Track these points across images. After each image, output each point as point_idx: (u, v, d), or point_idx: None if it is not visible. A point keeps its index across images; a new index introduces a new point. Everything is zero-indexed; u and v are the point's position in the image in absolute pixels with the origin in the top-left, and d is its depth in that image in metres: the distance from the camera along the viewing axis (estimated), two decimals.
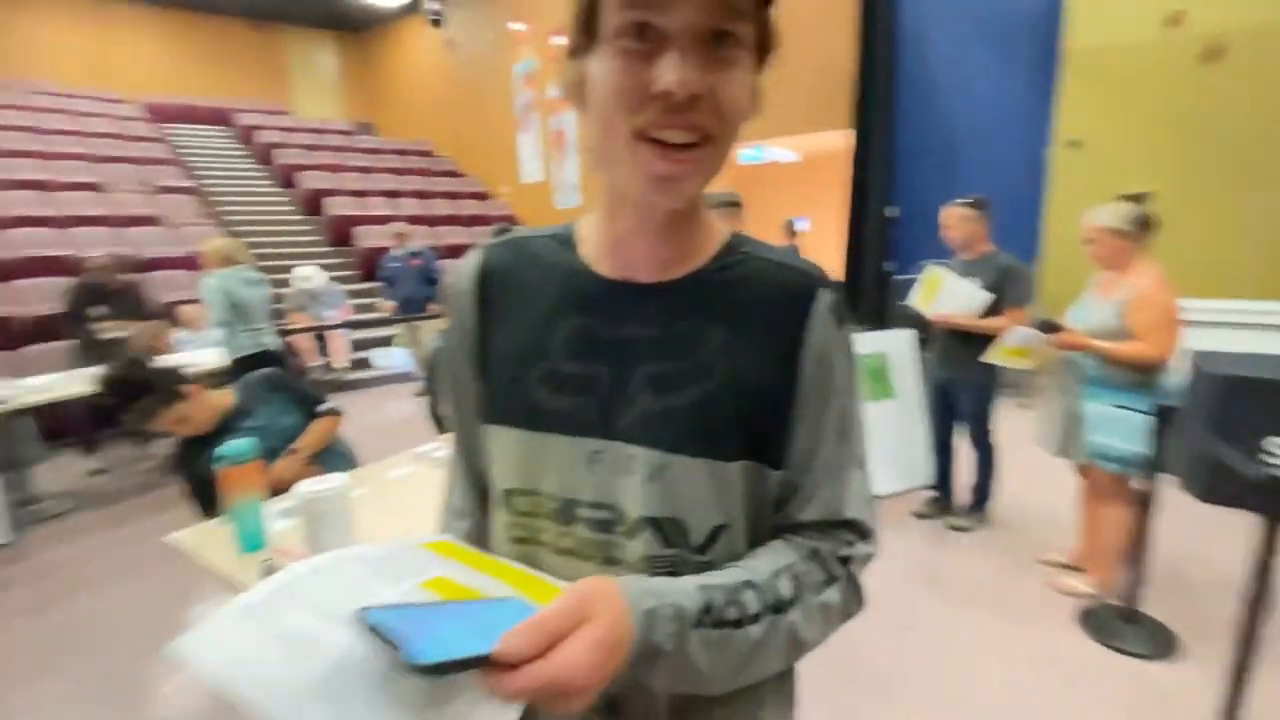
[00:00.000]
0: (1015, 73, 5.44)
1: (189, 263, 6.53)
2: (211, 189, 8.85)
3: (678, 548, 0.54)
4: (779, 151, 8.73)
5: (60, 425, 4.45)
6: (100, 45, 10.69)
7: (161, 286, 5.93)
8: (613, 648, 0.41)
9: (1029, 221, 5.29)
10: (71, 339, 4.52)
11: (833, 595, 0.56)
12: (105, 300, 4.37)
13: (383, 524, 1.59)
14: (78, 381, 3.59)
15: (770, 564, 0.54)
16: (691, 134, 0.47)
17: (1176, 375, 2.17)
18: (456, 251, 8.68)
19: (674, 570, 0.53)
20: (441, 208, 9.79)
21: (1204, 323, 3.91)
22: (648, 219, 0.55)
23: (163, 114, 10.28)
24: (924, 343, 3.20)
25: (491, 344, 0.62)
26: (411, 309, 5.69)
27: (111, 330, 4.27)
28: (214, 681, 0.33)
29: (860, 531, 0.59)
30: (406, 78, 12.64)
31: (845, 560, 0.57)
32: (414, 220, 8.81)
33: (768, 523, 0.58)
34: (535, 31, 9.50)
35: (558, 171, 9.63)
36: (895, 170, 6.03)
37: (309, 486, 1.38)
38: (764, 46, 0.51)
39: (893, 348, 3.23)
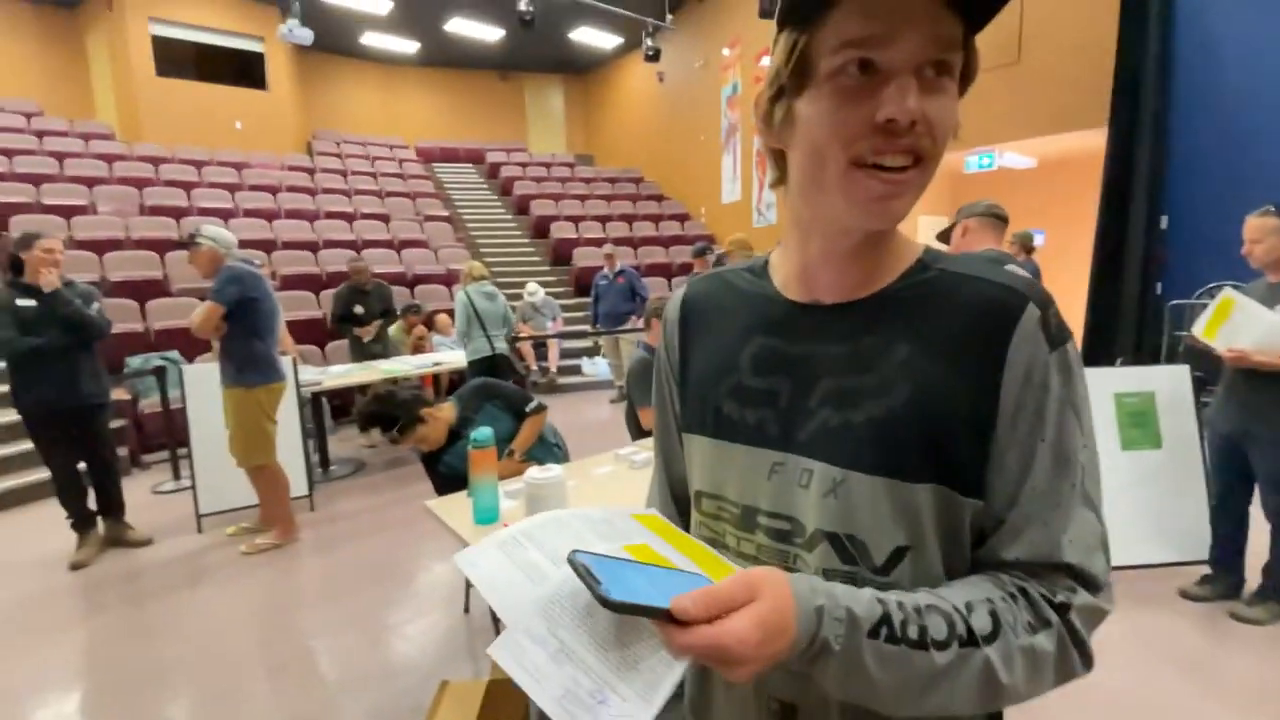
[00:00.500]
0: None
1: (446, 278, 7.79)
2: (465, 217, 10.46)
3: (857, 565, 0.53)
4: (1013, 157, 7.80)
5: (346, 405, 5.59)
6: (385, 102, 13.24)
7: (424, 297, 7.15)
8: (775, 630, 0.42)
9: None
10: (341, 338, 5.68)
11: (1044, 642, 0.49)
12: (362, 299, 5.34)
13: None
14: (360, 373, 4.51)
15: (964, 594, 0.50)
16: (908, 157, 0.49)
17: None
18: (656, 270, 9.17)
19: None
20: (645, 229, 10.41)
21: None
22: (837, 244, 0.56)
23: (429, 155, 12.40)
24: (1205, 384, 2.65)
25: (690, 363, 0.67)
26: (614, 323, 6.14)
27: (369, 333, 5.28)
28: (478, 586, 0.47)
29: (1083, 580, 0.51)
30: (621, 110, 13.70)
31: (1062, 608, 0.50)
32: (620, 242, 9.51)
33: (966, 554, 0.54)
34: (742, 55, 9.71)
35: (757, 190, 9.69)
36: (1168, 173, 5.05)
37: (535, 474, 1.60)
38: (967, 72, 0.52)
39: (1162, 387, 2.73)
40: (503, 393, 2.44)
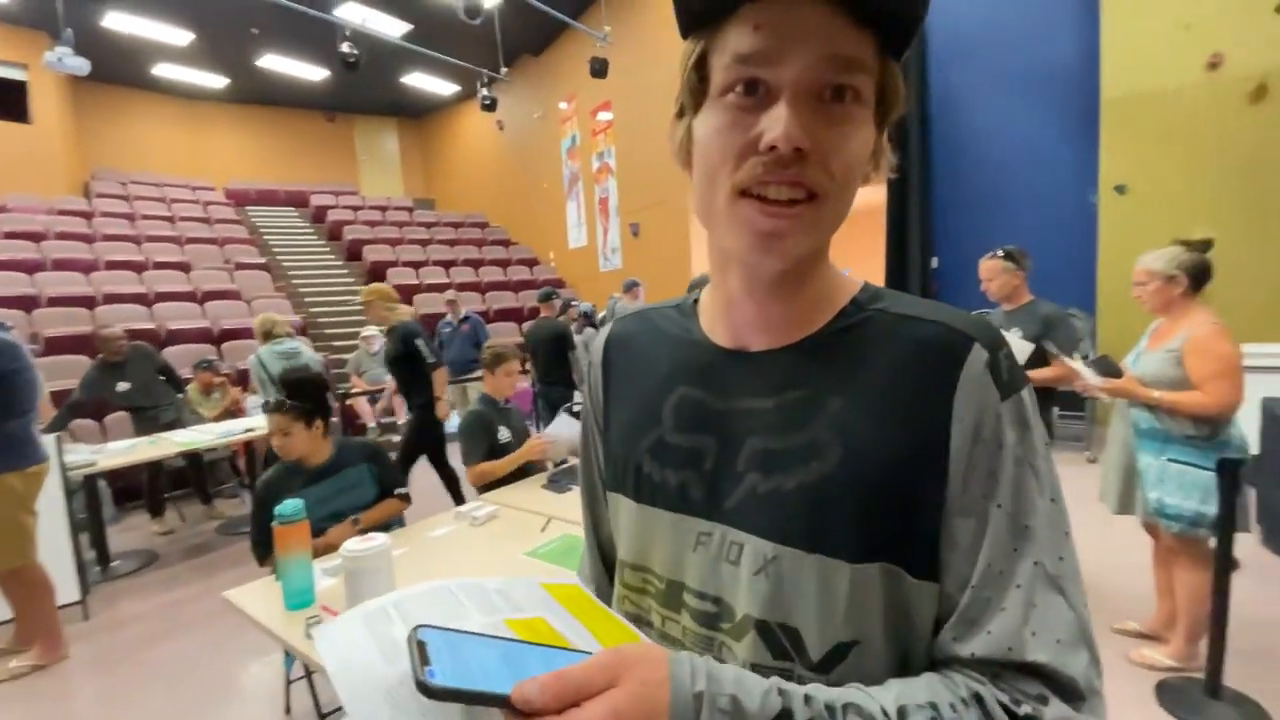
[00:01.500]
0: (1056, 121, 5.42)
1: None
2: (286, 264, 9.57)
3: (791, 661, 0.46)
4: None
5: (131, 489, 4.76)
6: (192, 139, 11.91)
7: (235, 354, 6.38)
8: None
9: (1084, 270, 5.16)
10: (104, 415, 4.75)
11: None
12: (120, 374, 4.22)
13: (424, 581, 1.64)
14: (147, 448, 3.86)
15: (900, 695, 0.41)
16: (796, 190, 0.43)
17: (1239, 427, 2.05)
18: (507, 315, 9.03)
19: None
20: (493, 274, 10.25)
21: (1272, 368, 3.68)
22: (755, 280, 0.50)
23: (242, 198, 11.27)
24: None
25: (612, 412, 0.61)
26: (461, 371, 5.91)
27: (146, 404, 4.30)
28: (329, 669, 0.40)
29: (1058, 685, 0.42)
30: (462, 156, 13.54)
31: None
32: (467, 287, 9.27)
33: (925, 649, 0.46)
34: (578, 109, 10.10)
35: (602, 236, 10.00)
36: (934, 223, 6.03)
37: (353, 545, 1.45)
38: (887, 102, 0.46)
39: None
40: (385, 463, 2.25)
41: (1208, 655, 2.01)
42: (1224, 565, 1.96)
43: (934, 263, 5.98)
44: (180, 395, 4.56)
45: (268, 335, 4.26)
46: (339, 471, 2.08)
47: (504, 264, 10.83)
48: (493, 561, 1.77)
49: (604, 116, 9.57)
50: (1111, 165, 4.92)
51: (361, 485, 2.13)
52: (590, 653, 0.40)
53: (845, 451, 0.46)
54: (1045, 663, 0.41)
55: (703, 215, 0.49)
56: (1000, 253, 2.71)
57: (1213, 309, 2.09)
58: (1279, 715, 1.94)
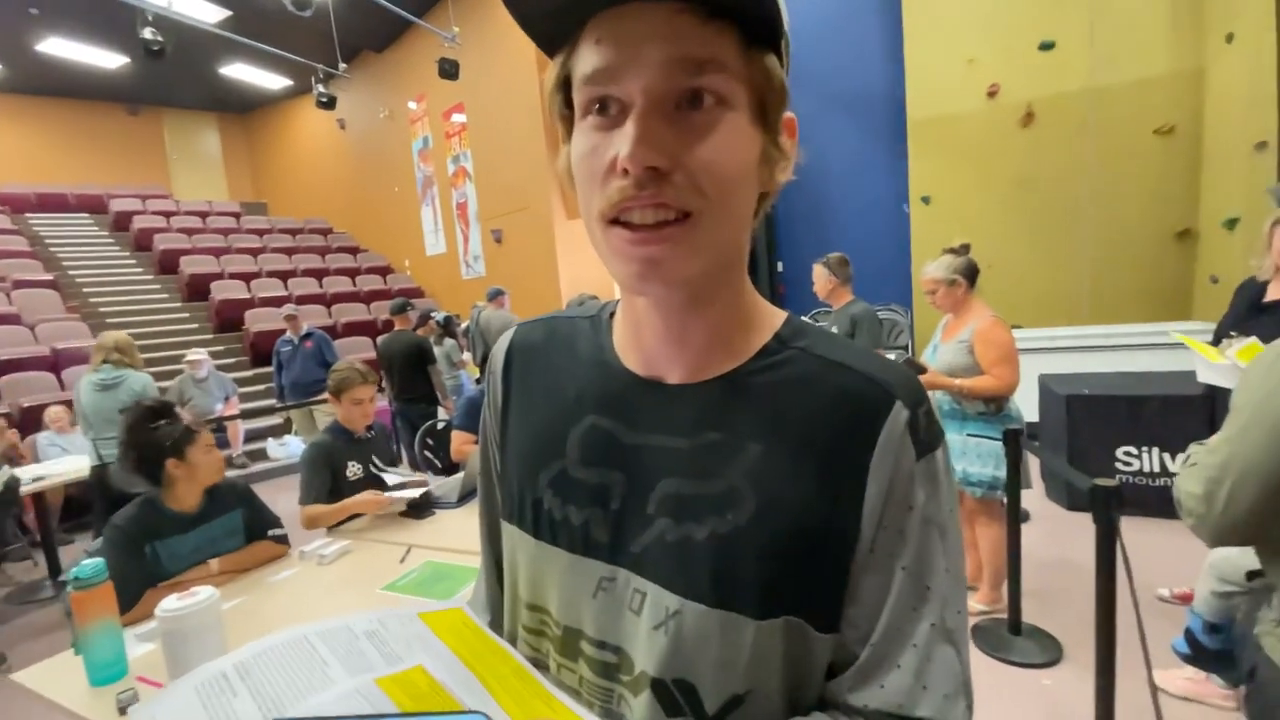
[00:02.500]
0: (874, 140, 6.11)
1: (51, 361, 5.97)
2: (80, 280, 8.20)
3: (684, 715, 0.44)
4: None
5: None
6: None
7: (15, 390, 5.36)
8: None
9: (902, 270, 5.83)
10: None
11: None
12: None
13: (262, 635, 1.48)
14: None
15: None
16: (662, 212, 0.39)
17: (1014, 402, 2.44)
18: (357, 329, 8.43)
19: None
20: (340, 284, 9.51)
21: (1046, 349, 4.42)
22: (660, 307, 0.47)
23: (19, 204, 9.52)
24: None
25: (511, 431, 0.56)
26: (305, 393, 5.41)
27: None
28: None
29: None
30: (297, 157, 12.43)
31: None
32: (309, 300, 8.52)
33: (816, 693, 0.46)
34: (429, 110, 9.67)
35: (462, 243, 9.66)
36: (777, 232, 6.57)
37: (171, 604, 1.28)
38: (763, 98, 0.42)
39: None
40: (259, 509, 1.96)
41: (1008, 597, 2.36)
42: (1014, 516, 2.31)
43: (779, 265, 6.49)
44: None
45: (98, 361, 3.56)
46: (210, 519, 1.82)
47: (352, 273, 10.08)
48: (346, 602, 1.64)
49: (458, 119, 9.24)
50: (918, 178, 5.62)
51: (236, 535, 1.88)
52: (483, 714, 0.37)
53: (760, 504, 0.43)
54: (930, 717, 0.43)
55: (593, 244, 0.45)
56: (824, 260, 3.10)
57: (993, 302, 2.48)
58: (1067, 642, 2.32)
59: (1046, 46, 4.99)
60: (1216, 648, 1.70)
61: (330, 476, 2.22)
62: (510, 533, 0.54)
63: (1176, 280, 4.91)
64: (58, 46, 8.93)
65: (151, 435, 1.73)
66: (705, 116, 0.39)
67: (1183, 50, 4.67)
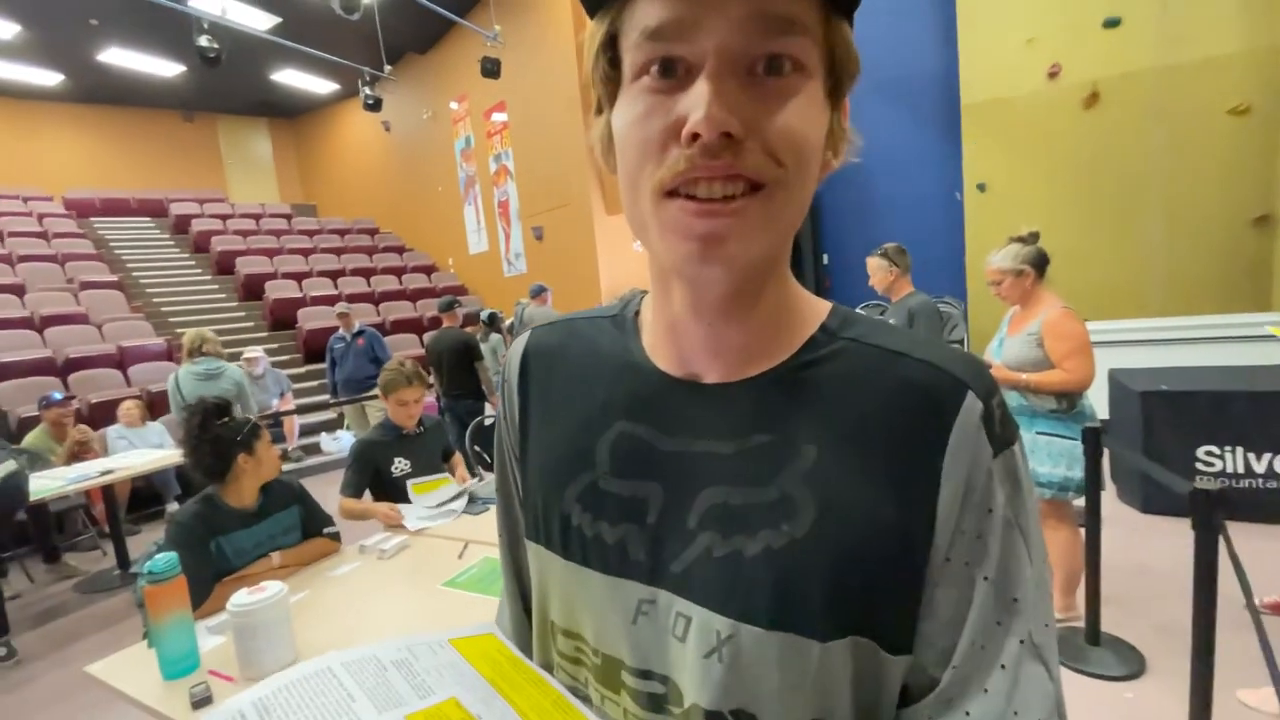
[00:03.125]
0: (925, 126, 5.89)
1: (117, 358, 6.25)
2: (143, 281, 8.58)
3: None
4: None
5: None
6: (20, 144, 10.43)
7: (84, 386, 5.63)
8: None
9: (955, 261, 5.62)
10: None
11: None
12: None
13: (326, 631, 1.50)
14: None
15: None
16: (733, 184, 0.36)
17: (1088, 398, 2.29)
18: (404, 326, 8.60)
19: None
20: (387, 283, 9.73)
21: (1116, 342, 4.19)
22: (702, 298, 0.42)
23: (85, 209, 10.01)
24: None
25: (531, 444, 0.51)
26: (357, 389, 5.53)
27: None
28: None
29: None
30: (345, 159, 12.75)
31: None
32: (358, 298, 8.73)
33: (889, 717, 0.41)
34: (470, 110, 9.79)
35: (504, 240, 9.76)
36: (821, 224, 6.39)
37: (242, 599, 1.29)
38: (838, 71, 0.39)
39: None
40: (313, 507, 2.01)
41: (1086, 605, 2.23)
42: (1094, 518, 2.17)
43: (825, 259, 6.33)
44: (14, 447, 3.89)
45: (193, 353, 3.83)
46: (269, 515, 1.86)
47: (399, 272, 10.29)
48: (408, 597, 1.65)
49: (499, 118, 9.32)
50: (973, 165, 5.40)
51: (293, 531, 1.92)
52: None
53: (819, 512, 0.39)
54: None
55: (632, 224, 0.42)
56: (880, 250, 2.95)
57: (1059, 293, 2.33)
58: (1149, 653, 2.18)
59: (1112, 23, 4.73)
60: None
61: (373, 472, 2.34)
62: (537, 553, 0.50)
63: (1254, 268, 4.60)
64: (117, 56, 9.34)
65: (222, 430, 1.77)
66: (783, 82, 0.36)
67: (1257, 26, 4.36)
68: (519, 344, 0.55)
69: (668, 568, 0.42)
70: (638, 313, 0.51)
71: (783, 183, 0.36)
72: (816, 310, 0.46)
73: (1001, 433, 0.40)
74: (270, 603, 1.30)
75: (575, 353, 0.52)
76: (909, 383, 0.40)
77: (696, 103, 0.34)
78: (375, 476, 2.36)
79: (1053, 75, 4.94)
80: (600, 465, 0.46)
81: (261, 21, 8.43)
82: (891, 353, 0.42)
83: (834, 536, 0.39)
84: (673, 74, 0.36)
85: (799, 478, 0.40)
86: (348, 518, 2.27)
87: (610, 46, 0.39)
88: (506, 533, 0.57)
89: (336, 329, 5.82)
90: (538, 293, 5.82)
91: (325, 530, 1.97)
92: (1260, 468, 3.05)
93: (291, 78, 10.90)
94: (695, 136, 0.34)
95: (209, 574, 1.66)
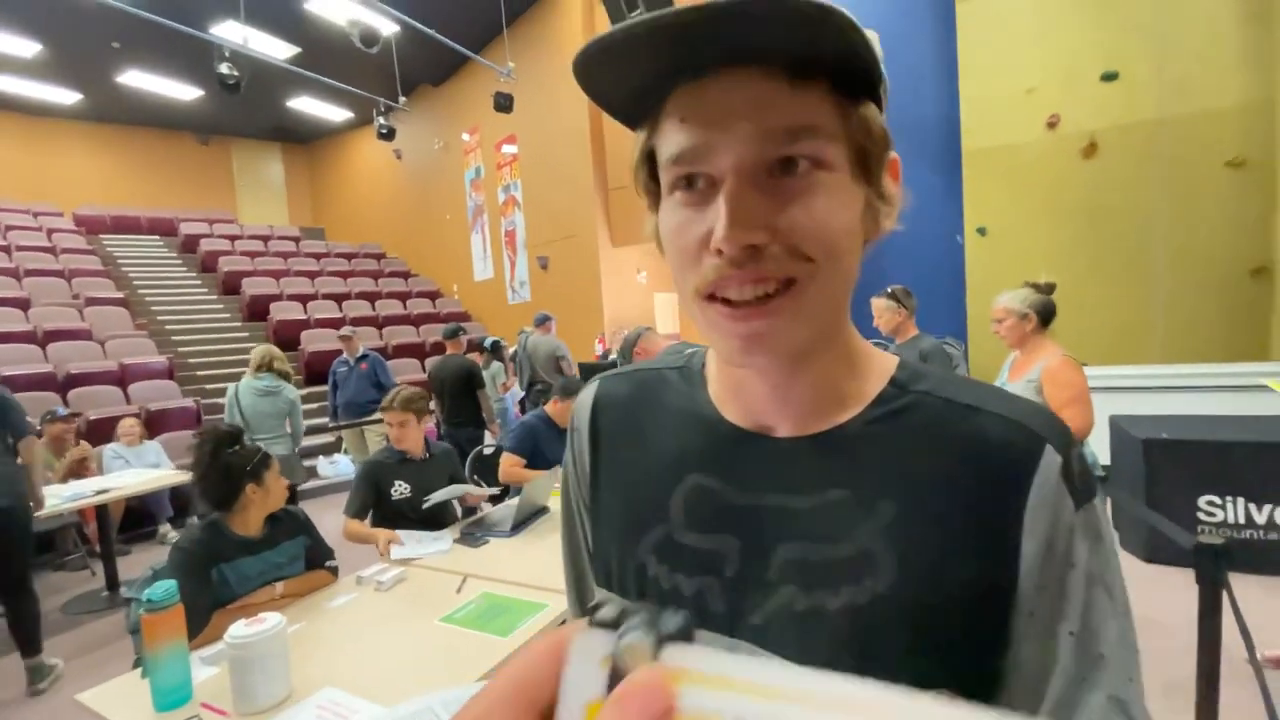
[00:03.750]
0: (927, 170, 5.99)
1: (119, 376, 6.25)
2: (148, 299, 8.63)
3: None
4: None
5: None
6: (34, 160, 10.60)
7: (84, 403, 5.62)
8: None
9: (956, 302, 5.67)
10: None
11: None
12: None
13: (321, 664, 1.47)
14: None
15: None
16: (762, 285, 0.38)
17: (1089, 445, 2.30)
18: (406, 351, 8.63)
19: None
20: (391, 308, 9.78)
21: (1117, 388, 4.20)
22: (761, 370, 0.44)
23: (95, 225, 10.12)
24: None
25: (603, 495, 0.52)
26: (358, 413, 5.52)
27: None
28: None
29: None
30: (355, 185, 12.96)
31: None
32: (362, 322, 8.78)
33: None
34: (482, 141, 9.99)
35: (509, 269, 9.86)
36: None
37: (240, 630, 1.28)
38: (867, 153, 0.40)
39: None
40: (318, 539, 1.99)
41: None
42: None
43: None
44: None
45: (260, 368, 3.99)
46: (275, 544, 1.84)
47: (403, 297, 10.37)
48: (405, 632, 1.62)
49: (509, 150, 9.51)
50: (974, 209, 5.49)
51: (297, 561, 1.90)
52: None
53: (901, 567, 0.39)
54: None
55: (690, 316, 0.44)
56: (888, 291, 2.96)
57: (1060, 339, 2.36)
58: (1154, 707, 2.13)
59: (1109, 77, 4.86)
60: None
61: (375, 493, 2.38)
62: None
63: (1253, 318, 4.64)
64: (136, 79, 9.56)
65: (233, 459, 1.76)
66: (801, 182, 0.38)
67: (1253, 80, 4.49)
68: (588, 393, 0.56)
69: (747, 620, 0.42)
70: (704, 364, 0.52)
71: (813, 275, 0.38)
72: (884, 364, 0.46)
73: (1082, 486, 0.40)
74: (268, 636, 1.29)
75: (643, 403, 0.52)
76: (985, 438, 0.41)
77: (718, 221, 0.37)
78: (376, 498, 2.39)
79: (1051, 125, 5.06)
80: (674, 518, 0.46)
81: (281, 51, 8.66)
82: (965, 406, 0.43)
83: (916, 593, 0.39)
84: (695, 187, 0.39)
85: (878, 534, 0.40)
86: (351, 540, 2.29)
87: (649, 160, 0.43)
88: (574, 585, 0.58)
89: (340, 352, 5.83)
90: (542, 321, 5.85)
91: (328, 563, 1.96)
92: (1261, 519, 3.03)
93: (307, 105, 11.14)
94: (720, 252, 0.37)
95: (208, 603, 1.64)
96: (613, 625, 0.21)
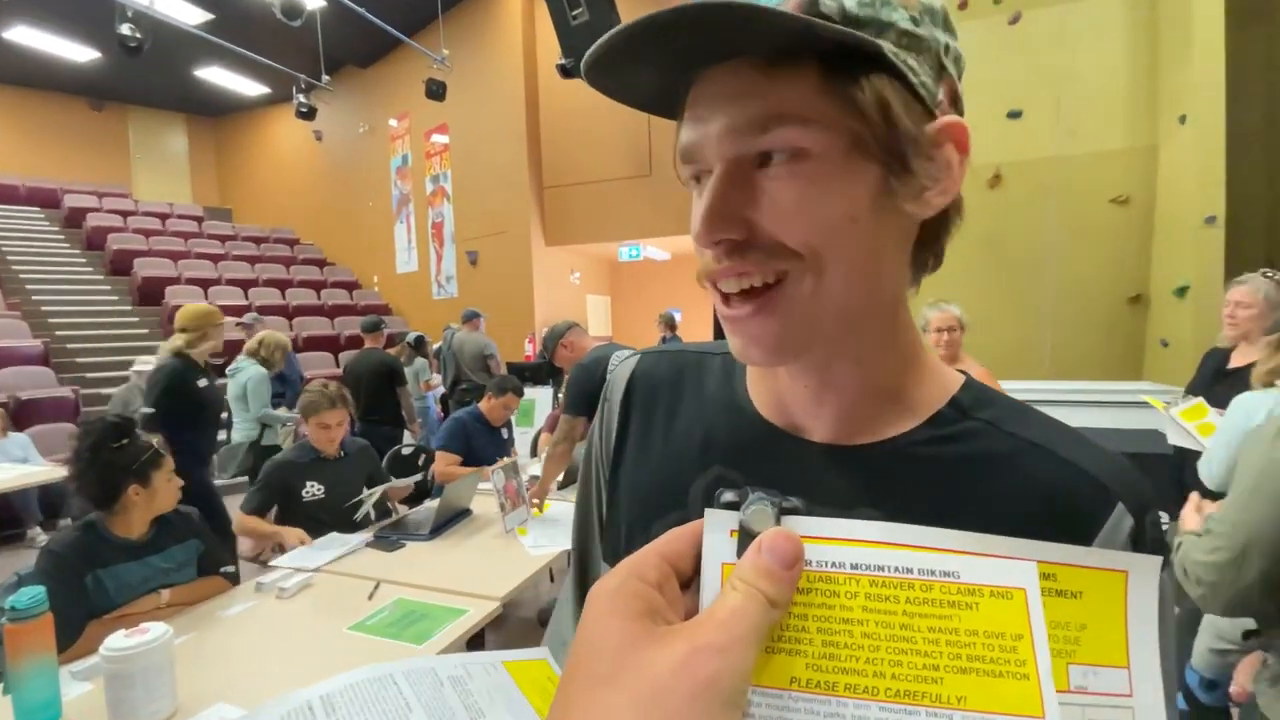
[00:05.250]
0: None
1: None
2: (23, 277, 7.76)
3: None
4: (654, 250, 9.27)
5: None
6: None
7: None
8: None
9: None
10: None
11: None
12: None
13: (211, 680, 1.36)
14: None
15: None
16: (747, 279, 0.37)
17: None
18: (319, 344, 8.18)
19: None
20: (303, 297, 9.24)
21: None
22: (793, 367, 0.42)
23: None
24: None
25: (625, 468, 0.50)
26: None
27: None
28: None
29: None
30: (268, 164, 12.19)
31: None
32: (272, 310, 8.24)
33: None
34: (411, 129, 9.63)
35: (435, 262, 9.54)
36: None
37: (118, 642, 1.16)
38: (866, 131, 0.35)
39: None
40: (213, 544, 1.82)
41: None
42: None
43: None
44: None
45: (251, 352, 4.04)
46: (163, 549, 1.67)
47: (318, 286, 9.82)
48: (308, 642, 1.53)
49: (440, 139, 9.21)
50: None
51: (187, 567, 1.73)
52: None
53: None
54: None
55: None
56: None
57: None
58: None
59: (1014, 115, 5.27)
60: (1213, 704, 1.72)
61: (283, 494, 2.23)
62: None
63: (1129, 342, 5.14)
64: (25, 35, 8.61)
65: (115, 455, 1.59)
66: (777, 174, 0.36)
67: (1139, 128, 4.99)
68: (628, 366, 0.54)
69: None
70: None
71: (804, 270, 0.36)
72: (947, 382, 0.43)
73: (1154, 554, 0.37)
74: (150, 647, 1.18)
75: (681, 386, 0.51)
76: (1049, 483, 0.38)
77: (695, 213, 0.37)
78: (285, 499, 2.23)
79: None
80: (693, 507, 0.44)
81: (192, 16, 8.03)
82: (1032, 445, 0.39)
83: None
84: (703, 183, 0.38)
85: None
86: (246, 535, 2.17)
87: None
88: (579, 553, 0.56)
89: (242, 341, 5.45)
90: (470, 318, 5.70)
91: (222, 570, 1.82)
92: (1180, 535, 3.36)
93: (218, 76, 10.38)
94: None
95: (81, 612, 1.49)
96: (735, 506, 0.28)
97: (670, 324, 7.04)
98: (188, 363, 2.94)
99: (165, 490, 1.67)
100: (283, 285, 9.35)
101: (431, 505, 2.37)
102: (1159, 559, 0.29)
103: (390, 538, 2.14)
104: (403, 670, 0.38)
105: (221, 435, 3.67)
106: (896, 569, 0.26)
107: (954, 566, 0.26)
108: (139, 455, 1.62)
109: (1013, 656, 0.24)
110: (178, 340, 2.97)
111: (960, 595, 0.25)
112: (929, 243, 0.42)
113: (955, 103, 0.40)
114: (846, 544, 0.27)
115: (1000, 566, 0.26)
